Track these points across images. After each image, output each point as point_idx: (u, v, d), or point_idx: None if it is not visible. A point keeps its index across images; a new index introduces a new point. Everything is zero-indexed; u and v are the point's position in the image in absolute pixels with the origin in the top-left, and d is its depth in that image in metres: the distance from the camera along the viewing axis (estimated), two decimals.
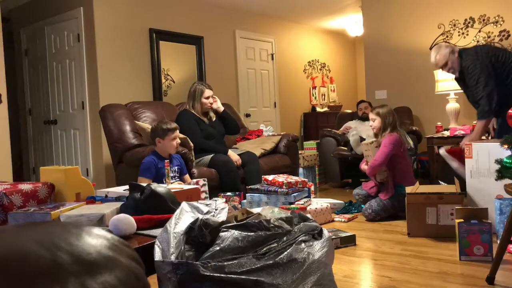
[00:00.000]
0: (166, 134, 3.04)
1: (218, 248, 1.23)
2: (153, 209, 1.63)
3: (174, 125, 3.14)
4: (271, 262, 1.23)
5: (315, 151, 5.19)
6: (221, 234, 1.27)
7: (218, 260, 1.20)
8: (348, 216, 3.26)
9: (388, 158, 3.21)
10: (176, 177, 3.08)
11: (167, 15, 5.18)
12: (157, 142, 3.07)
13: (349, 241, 2.53)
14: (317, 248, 1.35)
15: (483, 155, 2.69)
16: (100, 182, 4.44)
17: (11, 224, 0.49)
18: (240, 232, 1.28)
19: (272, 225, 1.33)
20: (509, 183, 1.93)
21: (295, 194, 3.27)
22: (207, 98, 3.82)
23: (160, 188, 1.76)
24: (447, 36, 5.09)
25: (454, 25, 5.03)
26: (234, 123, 4.06)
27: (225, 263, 1.19)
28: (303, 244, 1.32)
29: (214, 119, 3.93)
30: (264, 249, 1.26)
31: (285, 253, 1.27)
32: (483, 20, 4.84)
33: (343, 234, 2.55)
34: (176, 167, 3.09)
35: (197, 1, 5.53)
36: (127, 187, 2.37)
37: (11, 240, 0.39)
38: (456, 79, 3.48)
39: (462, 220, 2.17)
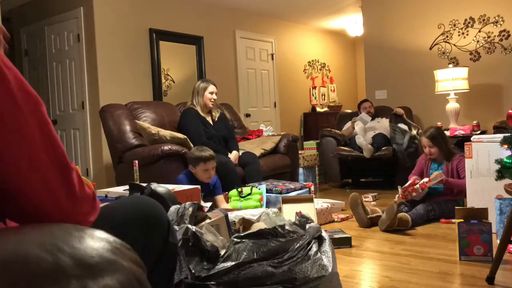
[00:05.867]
0: (197, 164, 2.94)
1: (233, 263, 1.19)
2: None
3: (208, 153, 2.96)
4: (286, 269, 1.20)
5: (315, 151, 5.19)
6: (236, 246, 1.24)
7: (232, 273, 1.17)
8: (342, 216, 3.25)
9: None
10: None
11: (167, 15, 5.18)
12: (190, 169, 2.99)
13: (344, 243, 2.50)
14: (329, 254, 1.34)
15: (483, 155, 2.69)
16: (100, 182, 4.44)
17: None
18: (254, 241, 1.25)
19: (287, 230, 1.31)
20: (509, 183, 1.93)
21: (291, 193, 3.28)
22: (211, 93, 3.83)
23: (160, 188, 1.76)
24: (447, 36, 5.09)
25: (454, 25, 5.03)
26: None
27: (239, 277, 1.17)
28: (314, 248, 1.30)
29: (216, 119, 3.94)
30: (279, 257, 1.24)
31: (302, 262, 1.24)
32: (483, 20, 4.84)
33: (338, 235, 2.53)
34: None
35: (197, 1, 5.53)
36: (127, 187, 2.37)
37: (13, 243, 0.39)
38: None
39: (462, 220, 2.17)
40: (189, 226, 1.36)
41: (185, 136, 3.56)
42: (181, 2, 5.35)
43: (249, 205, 3.06)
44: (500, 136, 2.14)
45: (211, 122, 3.88)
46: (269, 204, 3.28)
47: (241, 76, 6.16)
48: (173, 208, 1.53)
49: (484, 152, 2.69)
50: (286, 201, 2.82)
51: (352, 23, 7.11)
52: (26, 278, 0.36)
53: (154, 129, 3.59)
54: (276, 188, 3.33)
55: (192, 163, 2.97)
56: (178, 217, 1.48)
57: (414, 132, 4.49)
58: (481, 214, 2.20)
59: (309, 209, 2.73)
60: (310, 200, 2.87)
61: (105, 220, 0.74)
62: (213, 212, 1.75)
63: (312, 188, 3.76)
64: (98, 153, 4.61)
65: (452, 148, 3.22)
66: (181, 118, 3.93)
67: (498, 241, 1.88)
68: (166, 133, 3.58)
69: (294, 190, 3.39)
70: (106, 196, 2.35)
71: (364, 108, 5.07)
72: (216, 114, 3.97)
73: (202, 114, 3.82)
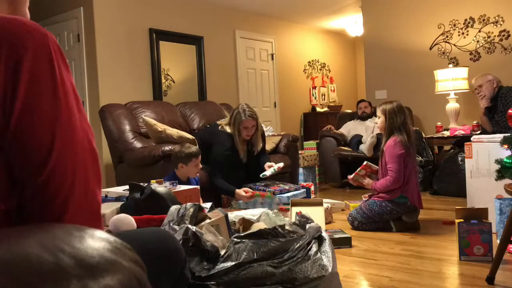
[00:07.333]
0: (190, 160, 2.95)
1: (233, 263, 1.20)
2: (153, 209, 1.63)
3: (196, 149, 2.99)
4: (286, 269, 1.20)
5: (315, 151, 5.19)
6: (236, 246, 1.24)
7: (232, 273, 1.18)
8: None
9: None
10: None
11: (167, 15, 5.18)
12: (180, 167, 2.98)
13: (344, 243, 2.50)
14: (329, 254, 1.34)
15: (483, 155, 2.69)
16: None
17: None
18: (254, 241, 1.25)
19: (287, 230, 1.31)
20: (509, 183, 1.93)
21: (287, 194, 3.27)
22: (246, 128, 3.32)
23: (160, 188, 1.77)
24: (447, 36, 5.09)
25: (454, 25, 5.03)
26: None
27: (239, 277, 1.17)
28: (314, 248, 1.30)
29: (255, 153, 3.51)
30: (279, 257, 1.24)
31: (302, 262, 1.24)
32: (483, 20, 4.84)
33: (338, 235, 2.53)
34: None
35: (197, 1, 5.53)
36: (127, 187, 2.37)
37: (14, 243, 0.39)
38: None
39: (462, 220, 2.17)
40: (189, 226, 1.36)
41: (193, 137, 3.48)
42: (181, 2, 5.35)
43: None
44: (500, 136, 2.14)
45: (240, 151, 3.40)
46: (264, 205, 3.27)
47: (241, 76, 6.16)
48: (173, 208, 1.54)
49: (484, 152, 2.69)
50: (295, 204, 2.82)
51: (352, 23, 7.12)
52: (27, 278, 0.36)
53: (160, 127, 3.47)
54: (269, 189, 3.31)
55: (184, 161, 2.96)
56: (179, 218, 1.48)
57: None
58: (481, 214, 2.20)
59: (318, 213, 2.73)
60: (320, 203, 2.85)
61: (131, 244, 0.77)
62: (213, 212, 1.75)
63: (312, 188, 3.75)
64: (98, 153, 4.60)
65: (397, 128, 2.79)
66: (211, 134, 3.52)
67: (498, 241, 1.88)
68: (173, 131, 3.47)
69: (288, 191, 3.35)
70: (106, 196, 2.35)
71: (360, 108, 5.09)
72: (258, 147, 3.48)
73: (235, 140, 3.37)
